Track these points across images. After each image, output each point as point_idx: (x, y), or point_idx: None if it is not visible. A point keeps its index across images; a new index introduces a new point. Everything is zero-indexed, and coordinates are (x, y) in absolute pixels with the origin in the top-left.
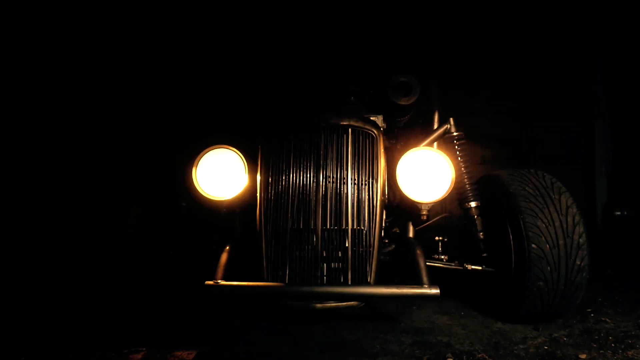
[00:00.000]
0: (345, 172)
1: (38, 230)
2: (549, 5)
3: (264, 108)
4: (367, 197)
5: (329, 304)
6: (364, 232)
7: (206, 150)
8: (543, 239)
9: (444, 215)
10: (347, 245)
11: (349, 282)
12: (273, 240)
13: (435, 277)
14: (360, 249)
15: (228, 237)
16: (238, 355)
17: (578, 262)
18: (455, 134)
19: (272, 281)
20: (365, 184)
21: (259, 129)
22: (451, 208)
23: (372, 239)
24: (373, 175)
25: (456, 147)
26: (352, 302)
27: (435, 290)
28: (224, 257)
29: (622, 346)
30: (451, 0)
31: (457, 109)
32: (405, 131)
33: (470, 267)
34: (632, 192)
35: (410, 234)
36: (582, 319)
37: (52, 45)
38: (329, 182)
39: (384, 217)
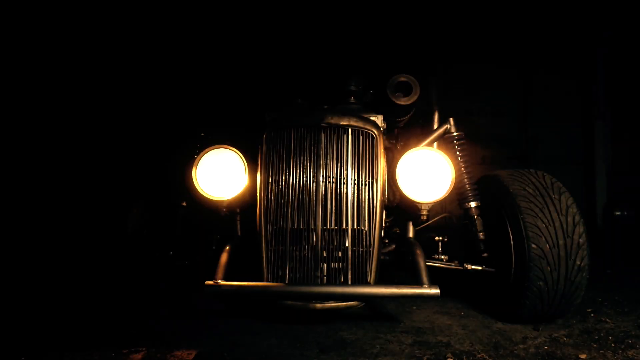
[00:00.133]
0: (345, 172)
1: (38, 230)
2: (549, 6)
3: (264, 108)
4: (367, 197)
5: (329, 304)
6: (364, 232)
7: (206, 150)
8: (543, 239)
9: (444, 215)
10: (347, 245)
11: (349, 282)
12: (273, 240)
13: (435, 277)
14: (360, 249)
15: (228, 237)
16: (238, 355)
17: (578, 262)
18: (455, 134)
19: (272, 281)
20: (365, 184)
21: (259, 129)
22: (451, 208)
23: (372, 239)
24: (373, 175)
25: (456, 147)
26: (352, 302)
27: (435, 290)
28: (224, 257)
29: (622, 346)
30: (452, 1)
31: (457, 109)
32: (405, 131)
33: (470, 267)
34: (632, 192)
35: (410, 234)
36: (582, 319)
37: (52, 45)
38: (329, 182)
39: (384, 217)
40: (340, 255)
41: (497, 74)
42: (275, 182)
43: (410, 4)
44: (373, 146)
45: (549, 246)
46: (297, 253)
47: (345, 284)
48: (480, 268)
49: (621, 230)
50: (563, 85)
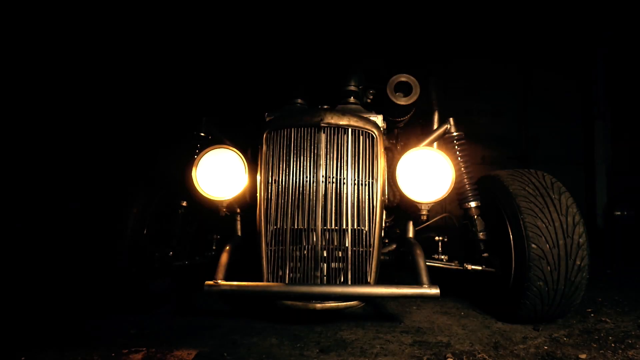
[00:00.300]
0: (345, 172)
1: (39, 230)
2: (549, 6)
3: (264, 108)
4: (367, 197)
5: (329, 304)
6: (364, 232)
7: (206, 150)
8: (543, 239)
9: (444, 215)
10: (347, 245)
11: (349, 282)
12: (273, 240)
13: (435, 277)
14: (360, 249)
15: (228, 237)
16: (238, 355)
17: (578, 262)
18: (455, 134)
19: (272, 281)
20: (365, 184)
21: (258, 129)
22: (451, 208)
23: (372, 239)
24: (373, 175)
25: (456, 147)
26: (352, 302)
27: (435, 290)
28: (224, 257)
29: (622, 346)
30: (452, 1)
31: (457, 109)
32: (405, 131)
33: (470, 267)
34: (632, 192)
35: (410, 234)
36: (582, 319)
37: (51, 43)
38: (329, 182)
39: (384, 217)
40: (340, 255)
41: (497, 74)
42: (275, 182)
43: (410, 5)
44: (373, 146)
45: (549, 246)
46: (297, 253)
47: (345, 284)
48: (480, 268)
49: (621, 230)
50: (563, 85)
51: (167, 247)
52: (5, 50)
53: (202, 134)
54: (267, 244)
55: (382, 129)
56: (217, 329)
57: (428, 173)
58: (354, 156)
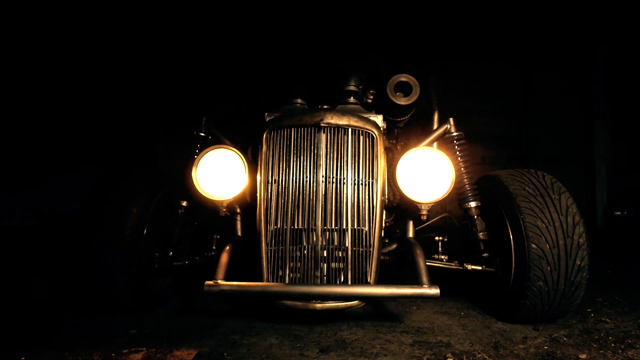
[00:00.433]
0: (345, 172)
1: (38, 230)
2: (549, 6)
3: (264, 108)
4: (367, 197)
5: (329, 304)
6: (364, 232)
7: (206, 150)
8: (543, 239)
9: (444, 215)
10: (347, 245)
11: (349, 282)
12: (273, 240)
13: (435, 277)
14: (360, 249)
15: (228, 237)
16: (238, 355)
17: (578, 262)
18: (455, 134)
19: (272, 281)
20: (365, 184)
21: (259, 129)
22: (451, 208)
23: (372, 239)
24: (373, 175)
25: (456, 147)
26: (352, 302)
27: (435, 290)
28: (224, 257)
29: (622, 346)
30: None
31: (457, 109)
32: (405, 131)
33: (470, 267)
34: (632, 192)
35: (411, 234)
36: (582, 319)
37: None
38: (329, 182)
39: (384, 217)
40: (340, 255)
41: (497, 74)
42: (275, 182)
43: (410, 4)
44: (373, 146)
45: (549, 246)
46: (297, 253)
47: (345, 284)
48: (480, 268)
49: (621, 230)
50: (563, 84)
51: (167, 247)
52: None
53: (202, 134)
54: (267, 244)
55: (382, 129)
56: (217, 329)
57: (428, 173)
58: (354, 156)
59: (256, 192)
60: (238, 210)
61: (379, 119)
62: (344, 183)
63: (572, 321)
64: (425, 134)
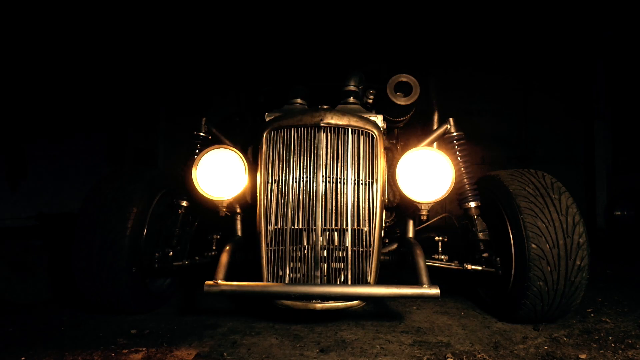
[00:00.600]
0: (345, 172)
1: (38, 230)
2: (550, 5)
3: (264, 108)
4: (367, 197)
5: (329, 304)
6: (364, 232)
7: (206, 150)
8: (543, 239)
9: (444, 215)
10: (347, 245)
11: (349, 282)
12: (273, 240)
13: (435, 277)
14: (360, 249)
15: (228, 237)
16: (238, 355)
17: (578, 262)
18: (455, 134)
19: (272, 281)
20: (365, 184)
21: (259, 129)
22: (451, 208)
23: (372, 239)
24: (373, 175)
25: (456, 147)
26: (352, 302)
27: (435, 290)
28: (224, 257)
29: (622, 346)
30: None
31: (457, 109)
32: (405, 131)
33: (470, 267)
34: (632, 192)
35: (411, 234)
36: (582, 319)
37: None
38: (329, 182)
39: (384, 217)
40: (340, 255)
41: (498, 74)
42: (275, 182)
43: (409, 5)
44: (373, 146)
45: (549, 246)
46: (297, 253)
47: (345, 284)
48: (480, 268)
49: (621, 230)
50: (563, 84)
51: (167, 247)
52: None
53: (202, 134)
54: (267, 244)
55: (382, 129)
56: (218, 328)
57: (428, 173)
58: (354, 156)
59: (256, 192)
60: (238, 210)
61: (379, 119)
62: (344, 183)
63: (572, 321)
64: (425, 134)
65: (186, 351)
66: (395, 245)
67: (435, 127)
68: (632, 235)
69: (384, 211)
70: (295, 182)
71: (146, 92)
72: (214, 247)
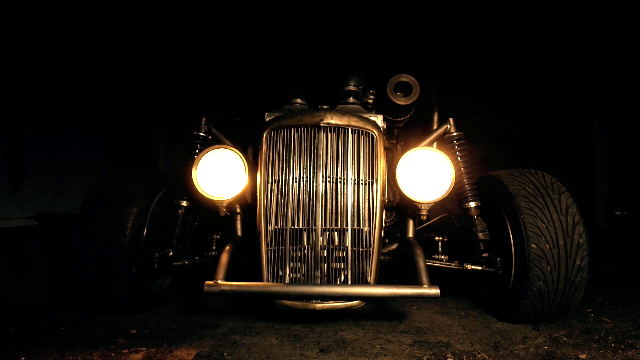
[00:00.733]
0: (345, 172)
1: (38, 230)
2: (550, 5)
3: (265, 108)
4: (367, 197)
5: (329, 304)
6: (364, 232)
7: (206, 150)
8: (543, 239)
9: (444, 215)
10: (347, 245)
11: (349, 282)
12: (273, 240)
13: (435, 277)
14: (361, 249)
15: (228, 237)
16: (238, 355)
17: (578, 262)
18: (455, 134)
19: (272, 281)
20: (365, 184)
21: (259, 129)
22: (451, 208)
23: (372, 239)
24: (373, 175)
25: (456, 147)
26: (352, 302)
27: (435, 290)
28: (224, 257)
29: (622, 346)
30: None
31: (457, 109)
32: (405, 131)
33: (470, 267)
34: (632, 192)
35: (411, 234)
36: (582, 319)
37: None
38: (329, 182)
39: (384, 217)
40: (340, 255)
41: (497, 74)
42: (275, 182)
43: (408, 6)
44: (373, 146)
45: (549, 246)
46: (297, 253)
47: (345, 284)
48: (480, 268)
49: (621, 230)
50: (563, 84)
51: (167, 247)
52: None
53: (202, 134)
54: (267, 244)
55: (382, 129)
56: (218, 328)
57: (428, 173)
58: (354, 156)
59: (256, 192)
60: (238, 210)
61: (379, 119)
62: (344, 183)
63: (572, 321)
64: (425, 134)
65: (186, 351)
66: (395, 245)
67: (435, 127)
68: (632, 235)
69: (384, 211)
70: (295, 182)
71: (146, 92)
72: (214, 247)
